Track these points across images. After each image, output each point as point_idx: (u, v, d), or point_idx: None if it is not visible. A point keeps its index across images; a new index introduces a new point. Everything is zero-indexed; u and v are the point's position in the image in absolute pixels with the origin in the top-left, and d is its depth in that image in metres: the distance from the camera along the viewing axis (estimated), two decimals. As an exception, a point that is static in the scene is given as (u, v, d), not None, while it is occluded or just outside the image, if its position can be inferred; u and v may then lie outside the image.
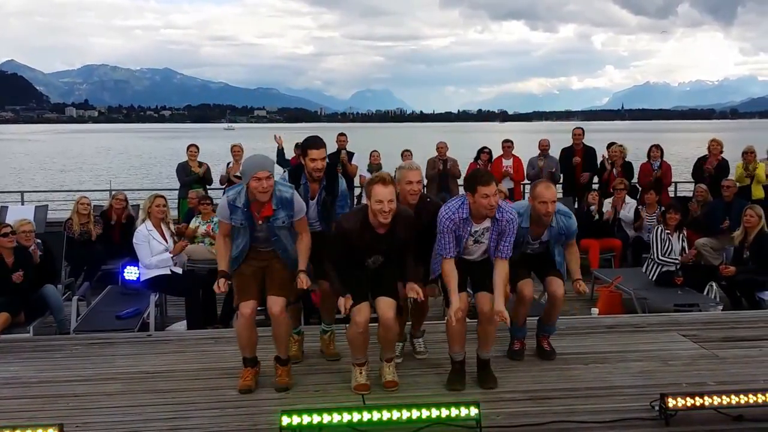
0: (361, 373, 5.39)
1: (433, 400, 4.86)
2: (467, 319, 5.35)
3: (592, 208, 10.79)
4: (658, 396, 4.84)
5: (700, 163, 11.96)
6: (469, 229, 5.28)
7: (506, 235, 5.28)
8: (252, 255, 5.41)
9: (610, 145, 12.34)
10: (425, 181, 5.79)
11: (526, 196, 14.02)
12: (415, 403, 4.70)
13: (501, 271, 5.31)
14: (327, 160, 5.64)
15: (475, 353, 5.53)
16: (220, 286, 5.28)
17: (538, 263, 5.92)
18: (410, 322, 6.14)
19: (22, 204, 14.35)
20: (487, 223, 5.29)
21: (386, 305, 5.29)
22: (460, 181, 11.30)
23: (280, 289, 5.36)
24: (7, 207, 12.95)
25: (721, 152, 11.94)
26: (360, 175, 12.84)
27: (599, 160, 12.50)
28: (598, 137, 19.73)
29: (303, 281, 5.28)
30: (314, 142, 5.56)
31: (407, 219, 5.30)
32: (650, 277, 8.82)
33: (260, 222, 5.27)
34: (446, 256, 5.30)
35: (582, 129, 13.12)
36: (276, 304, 5.31)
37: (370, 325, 5.29)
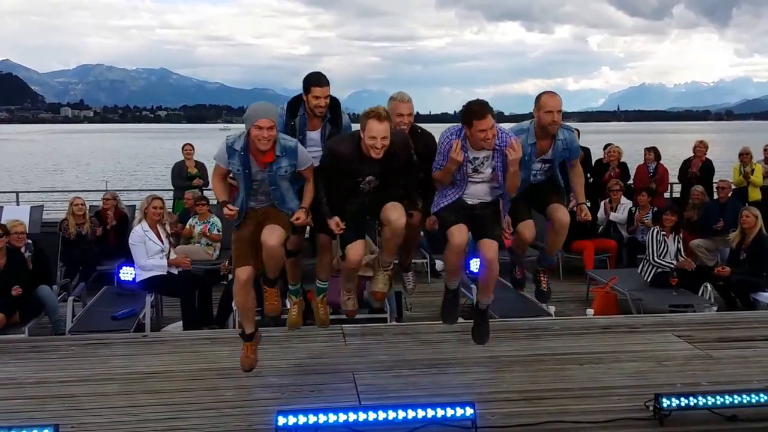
0: (348, 299, 5.49)
1: (429, 400, 4.88)
2: (462, 319, 5.37)
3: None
4: (653, 396, 4.87)
5: (686, 165, 12.01)
6: (466, 154, 5.04)
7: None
8: (250, 214, 5.17)
9: (606, 147, 12.35)
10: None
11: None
12: (410, 403, 4.72)
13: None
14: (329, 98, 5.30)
15: (469, 352, 5.55)
16: (230, 209, 5.05)
17: (539, 196, 5.66)
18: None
19: (17, 204, 14.31)
20: (486, 153, 5.06)
21: (394, 211, 5.05)
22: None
23: (276, 222, 5.09)
24: (2, 207, 12.93)
25: (706, 153, 12.01)
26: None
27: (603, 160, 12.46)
28: (595, 138, 19.78)
29: (302, 216, 5.05)
30: (317, 78, 5.21)
31: (403, 140, 5.10)
32: (645, 278, 8.85)
33: (259, 167, 5.00)
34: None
35: (578, 130, 13.11)
36: (271, 235, 4.98)
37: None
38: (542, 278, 5.96)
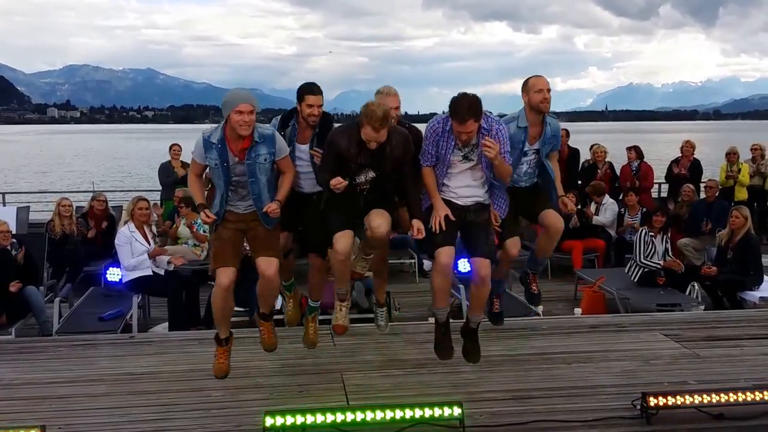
0: (341, 309, 5.35)
1: (417, 400, 4.89)
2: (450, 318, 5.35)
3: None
4: (640, 395, 4.90)
5: (673, 164, 12.07)
6: (452, 143, 5.00)
7: (501, 145, 4.96)
8: (231, 217, 5.10)
9: (592, 147, 12.40)
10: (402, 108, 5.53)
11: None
12: (398, 403, 4.73)
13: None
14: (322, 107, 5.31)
15: (457, 352, 5.54)
16: (208, 216, 4.99)
17: (526, 204, 5.61)
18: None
19: (4, 205, 14.26)
20: (473, 141, 5.02)
21: (377, 217, 5.03)
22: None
23: (270, 250, 5.10)
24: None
25: (693, 153, 12.08)
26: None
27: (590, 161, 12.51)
28: (582, 138, 19.82)
29: (272, 208, 4.96)
30: (310, 87, 5.22)
31: (401, 135, 5.07)
32: (633, 278, 8.89)
33: (238, 159, 4.95)
34: (425, 164, 5.12)
35: (566, 130, 13.16)
36: (270, 266, 5.02)
37: None
38: (532, 281, 5.93)
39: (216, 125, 5.03)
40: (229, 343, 5.31)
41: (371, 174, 5.05)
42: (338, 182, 4.87)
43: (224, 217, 5.10)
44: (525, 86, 5.40)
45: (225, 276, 4.99)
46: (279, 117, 5.43)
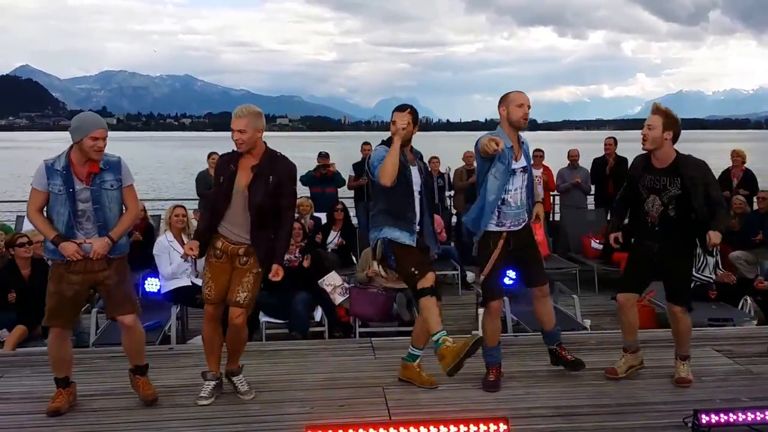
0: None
1: (461, 416, 4.89)
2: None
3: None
4: (692, 412, 4.85)
5: (726, 174, 11.92)
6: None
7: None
8: (77, 268, 5.06)
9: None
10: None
11: (557, 206, 14.07)
12: (442, 418, 4.74)
13: None
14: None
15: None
16: (68, 250, 4.95)
17: (522, 260, 5.74)
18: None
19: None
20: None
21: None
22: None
23: (121, 307, 5.25)
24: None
25: (744, 162, 11.92)
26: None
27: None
28: (631, 147, 19.62)
29: (99, 245, 4.98)
30: (398, 106, 5.46)
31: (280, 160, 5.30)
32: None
33: (83, 184, 4.96)
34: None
35: (614, 139, 13.09)
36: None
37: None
38: (563, 353, 5.95)
39: (58, 155, 5.06)
40: (70, 386, 5.41)
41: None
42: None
43: (72, 268, 5.08)
44: (505, 100, 5.51)
45: (54, 331, 5.23)
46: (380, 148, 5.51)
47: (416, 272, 5.31)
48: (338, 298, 8.52)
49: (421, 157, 5.59)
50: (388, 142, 5.34)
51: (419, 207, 5.46)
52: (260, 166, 5.19)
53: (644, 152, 5.61)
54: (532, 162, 5.79)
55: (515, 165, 5.48)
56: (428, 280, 5.32)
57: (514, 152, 5.47)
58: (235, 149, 5.25)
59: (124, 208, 5.22)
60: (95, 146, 4.92)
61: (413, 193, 5.42)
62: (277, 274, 5.22)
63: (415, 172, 5.43)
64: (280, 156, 5.30)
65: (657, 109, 5.50)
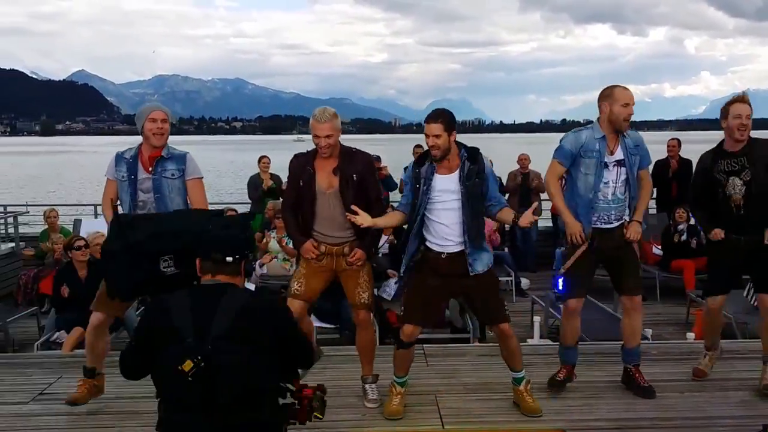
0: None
1: (516, 426, 4.83)
2: (549, 341, 5.29)
3: (681, 227, 10.60)
4: (761, 427, 4.70)
5: None
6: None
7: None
8: None
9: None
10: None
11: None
12: (496, 429, 4.69)
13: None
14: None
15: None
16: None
17: (614, 268, 5.62)
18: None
19: (96, 217, 14.80)
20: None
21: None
22: (544, 196, 11.25)
23: None
24: (81, 220, 13.41)
25: None
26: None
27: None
28: (695, 149, 19.24)
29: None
30: (427, 116, 5.06)
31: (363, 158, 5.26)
32: (752, 301, 8.54)
33: (147, 173, 5.05)
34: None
35: (678, 140, 12.82)
36: None
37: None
38: (637, 375, 5.75)
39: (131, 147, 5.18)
40: (96, 377, 5.43)
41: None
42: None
43: None
44: (608, 96, 5.34)
45: (96, 318, 5.24)
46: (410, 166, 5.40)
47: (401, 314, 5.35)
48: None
49: (474, 157, 5.08)
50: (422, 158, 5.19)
51: (458, 216, 5.05)
52: (341, 168, 5.15)
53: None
54: (642, 159, 5.52)
55: (608, 159, 5.35)
56: (403, 333, 5.25)
57: (608, 145, 5.35)
58: (302, 151, 5.30)
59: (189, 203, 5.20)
60: (153, 128, 5.03)
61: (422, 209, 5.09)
62: (355, 256, 5.21)
63: (445, 181, 5.06)
64: (355, 151, 5.28)
65: (746, 99, 5.51)
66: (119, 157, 5.15)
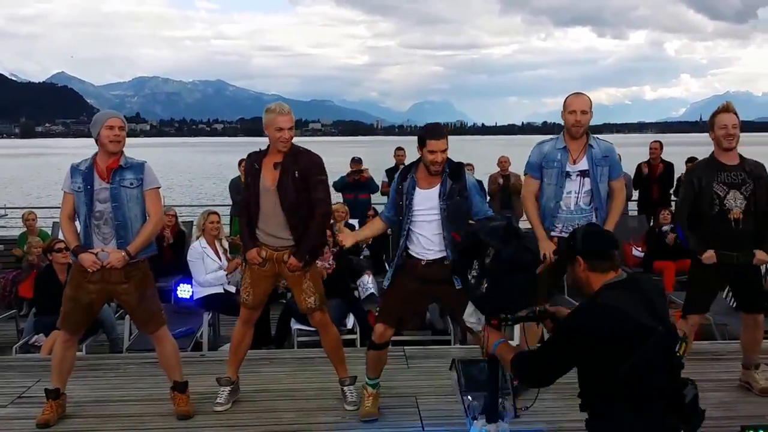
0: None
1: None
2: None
3: (665, 228, 10.68)
4: (739, 428, 4.74)
5: None
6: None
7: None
8: (94, 278, 5.06)
9: (689, 160, 12.14)
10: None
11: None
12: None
13: None
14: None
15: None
16: (86, 262, 4.98)
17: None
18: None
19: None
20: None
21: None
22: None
23: (146, 325, 5.38)
24: (59, 223, 13.31)
25: None
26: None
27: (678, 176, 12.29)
28: (676, 151, 19.40)
29: (116, 258, 4.96)
30: (433, 131, 4.92)
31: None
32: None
33: (103, 182, 4.99)
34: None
35: (660, 143, 12.91)
36: (154, 336, 5.39)
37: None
38: None
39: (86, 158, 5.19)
40: (60, 398, 5.38)
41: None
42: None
43: (87, 277, 5.08)
44: (563, 106, 5.42)
45: (64, 336, 5.31)
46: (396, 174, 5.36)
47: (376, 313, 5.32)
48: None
49: (457, 174, 5.00)
50: (394, 169, 5.18)
51: (438, 229, 4.99)
52: (284, 163, 5.16)
53: (706, 157, 5.59)
54: (611, 171, 5.47)
55: (571, 168, 5.37)
56: (375, 332, 5.24)
57: (570, 155, 5.38)
58: (261, 149, 5.35)
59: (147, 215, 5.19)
60: (111, 135, 4.98)
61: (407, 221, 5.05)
62: (289, 265, 5.18)
63: (425, 195, 5.01)
64: (303, 150, 5.28)
65: (731, 108, 5.47)
66: (74, 169, 5.09)
